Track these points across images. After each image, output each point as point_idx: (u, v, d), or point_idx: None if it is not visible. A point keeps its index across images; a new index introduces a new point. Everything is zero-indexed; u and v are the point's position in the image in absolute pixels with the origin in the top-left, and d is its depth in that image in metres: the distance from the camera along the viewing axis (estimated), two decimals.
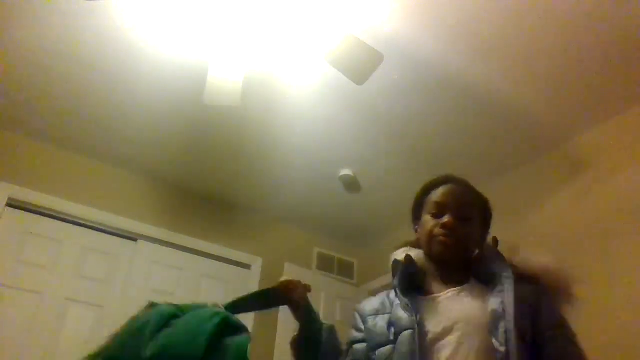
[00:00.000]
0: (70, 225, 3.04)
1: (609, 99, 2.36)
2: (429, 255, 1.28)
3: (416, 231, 1.36)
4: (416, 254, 1.31)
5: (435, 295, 1.20)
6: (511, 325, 1.04)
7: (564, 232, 2.44)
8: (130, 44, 2.30)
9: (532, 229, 2.58)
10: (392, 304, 1.23)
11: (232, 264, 3.52)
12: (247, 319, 3.35)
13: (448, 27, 2.07)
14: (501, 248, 1.25)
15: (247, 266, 3.56)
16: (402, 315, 1.15)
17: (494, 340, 1.05)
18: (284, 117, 2.72)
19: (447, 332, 1.09)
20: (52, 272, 2.89)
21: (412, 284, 1.23)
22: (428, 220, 1.28)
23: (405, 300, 1.17)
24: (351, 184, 3.24)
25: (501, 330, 1.04)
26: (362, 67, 1.91)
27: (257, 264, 3.57)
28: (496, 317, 1.07)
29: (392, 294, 1.26)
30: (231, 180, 3.37)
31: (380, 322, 1.20)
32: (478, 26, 2.05)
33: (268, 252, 3.65)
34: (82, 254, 3.02)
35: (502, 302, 1.08)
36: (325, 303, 3.58)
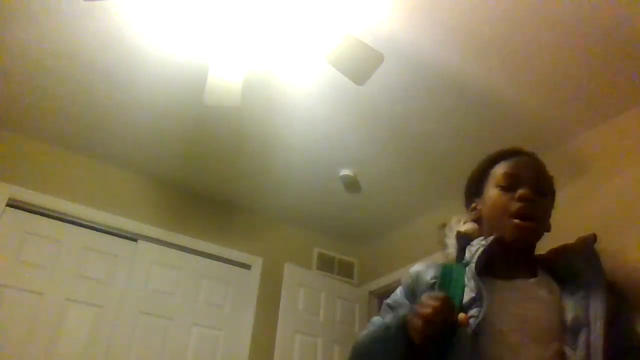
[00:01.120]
0: (70, 225, 3.04)
1: (609, 99, 2.36)
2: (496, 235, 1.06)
3: (473, 209, 1.16)
4: (473, 228, 1.12)
5: (505, 281, 1.02)
6: (598, 340, 0.88)
7: (564, 232, 2.43)
8: (131, 44, 2.30)
9: None
10: (455, 280, 1.02)
11: (232, 264, 3.52)
12: (248, 319, 3.36)
13: (448, 28, 2.07)
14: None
15: (247, 266, 3.56)
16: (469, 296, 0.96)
17: (567, 349, 0.90)
18: (284, 117, 2.72)
19: (515, 329, 0.94)
20: (52, 272, 2.89)
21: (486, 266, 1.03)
22: (497, 194, 1.07)
23: (479, 284, 0.97)
24: (351, 184, 3.24)
25: (581, 340, 0.90)
26: (362, 67, 1.91)
27: (257, 264, 3.57)
28: (577, 326, 0.92)
29: (456, 269, 1.05)
30: (231, 180, 3.37)
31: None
32: (478, 26, 2.05)
33: (268, 252, 3.65)
34: (82, 254, 3.02)
35: (587, 311, 0.92)
36: (325, 303, 3.58)
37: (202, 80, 2.15)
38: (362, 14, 2.03)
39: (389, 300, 1.13)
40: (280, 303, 3.36)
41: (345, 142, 2.88)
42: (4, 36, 2.29)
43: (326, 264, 3.89)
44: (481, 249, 1.04)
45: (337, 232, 3.93)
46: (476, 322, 0.91)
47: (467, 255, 1.08)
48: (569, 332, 0.91)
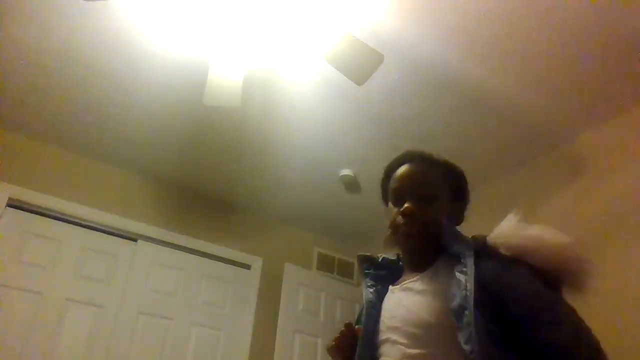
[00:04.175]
0: (70, 225, 3.04)
1: (609, 99, 2.36)
2: (396, 246, 1.21)
3: None
4: None
5: (394, 286, 1.17)
6: (470, 294, 0.91)
7: (564, 232, 2.43)
8: (131, 45, 2.30)
9: None
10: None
11: (232, 264, 3.52)
12: (248, 319, 3.36)
13: (448, 28, 2.07)
14: None
15: (247, 266, 3.56)
16: (368, 299, 1.18)
17: (459, 335, 0.90)
18: (284, 117, 2.72)
19: (390, 329, 1.07)
20: (52, 272, 2.89)
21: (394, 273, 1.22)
22: (391, 209, 1.19)
23: (373, 287, 1.20)
24: (351, 184, 3.24)
25: (465, 322, 0.90)
26: (362, 67, 1.91)
27: (257, 264, 3.58)
28: (458, 310, 0.92)
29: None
30: (231, 180, 3.37)
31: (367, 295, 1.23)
32: (478, 26, 2.05)
33: (268, 252, 3.65)
34: (82, 254, 3.02)
35: (464, 289, 0.94)
36: (325, 303, 3.58)
37: (202, 80, 2.15)
38: (362, 13, 2.03)
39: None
40: (280, 303, 3.36)
41: (345, 142, 2.88)
42: (4, 36, 2.29)
43: (326, 264, 3.89)
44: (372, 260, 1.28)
45: (337, 232, 3.93)
46: (367, 326, 1.11)
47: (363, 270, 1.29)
48: (456, 316, 0.92)
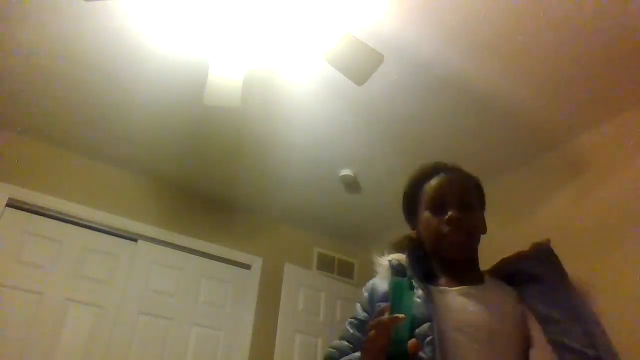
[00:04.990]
0: (70, 225, 3.04)
1: (609, 99, 2.36)
2: (438, 255, 1.18)
3: (413, 228, 1.27)
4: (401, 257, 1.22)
5: (448, 288, 1.10)
6: (599, 327, 0.99)
7: (564, 232, 2.43)
8: (131, 45, 2.30)
9: (531, 229, 2.58)
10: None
11: (232, 264, 3.52)
12: (248, 319, 3.36)
13: (448, 27, 2.07)
14: (498, 248, 1.22)
15: (247, 266, 3.56)
16: (419, 305, 1.04)
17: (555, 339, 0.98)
18: (284, 117, 2.72)
19: (462, 332, 1.01)
20: (52, 272, 2.89)
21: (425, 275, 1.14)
22: (429, 218, 1.18)
23: (423, 289, 1.07)
24: (351, 184, 3.24)
25: (577, 333, 0.98)
26: (362, 67, 1.91)
27: (257, 264, 3.57)
28: (571, 322, 1.00)
29: (404, 282, 1.12)
30: (231, 180, 3.37)
31: None
32: (478, 26, 2.05)
33: (268, 252, 3.65)
34: (82, 254, 3.02)
35: (565, 310, 1.02)
36: (325, 303, 3.58)
37: (202, 80, 2.15)
38: (362, 14, 2.03)
39: (351, 318, 1.21)
40: (280, 303, 3.36)
41: (345, 142, 2.88)
42: (4, 36, 2.29)
43: (326, 264, 3.89)
44: (409, 261, 1.17)
45: (337, 232, 3.93)
46: (430, 324, 0.99)
47: (408, 272, 1.16)
48: (560, 324, 0.98)
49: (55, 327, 2.78)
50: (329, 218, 3.73)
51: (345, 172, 3.13)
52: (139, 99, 2.65)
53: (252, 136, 2.90)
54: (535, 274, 1.10)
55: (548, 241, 1.13)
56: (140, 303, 3.09)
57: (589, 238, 2.34)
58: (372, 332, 0.96)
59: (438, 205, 1.17)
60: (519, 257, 1.17)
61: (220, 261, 3.48)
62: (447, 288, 1.11)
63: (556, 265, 1.09)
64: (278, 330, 3.27)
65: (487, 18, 2.01)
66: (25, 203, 2.92)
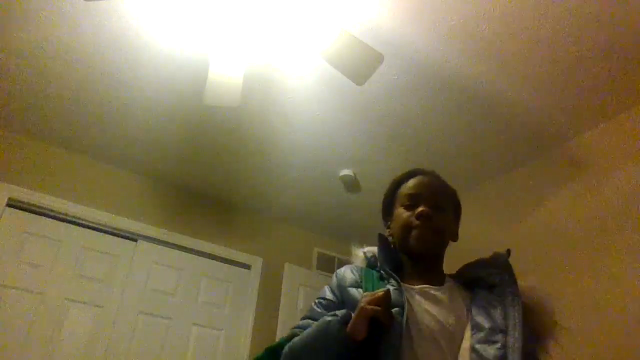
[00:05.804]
0: (70, 225, 3.04)
1: (609, 99, 2.36)
2: (404, 249, 1.21)
3: (388, 227, 1.30)
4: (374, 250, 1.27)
5: (413, 286, 1.12)
6: (518, 343, 0.98)
7: (564, 232, 2.43)
8: (131, 45, 2.30)
9: (531, 229, 2.58)
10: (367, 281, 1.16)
11: (232, 264, 3.52)
12: (248, 319, 3.36)
13: (448, 27, 2.07)
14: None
15: (247, 266, 3.56)
16: (393, 292, 1.07)
17: (479, 346, 1.00)
18: (284, 117, 2.72)
19: (432, 329, 1.04)
20: (52, 272, 2.89)
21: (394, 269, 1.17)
22: (401, 213, 1.21)
23: (394, 277, 1.10)
24: (351, 184, 3.24)
25: (495, 346, 0.99)
26: (362, 67, 1.91)
27: (257, 264, 3.57)
28: (494, 329, 1.02)
29: (373, 273, 1.19)
30: (231, 180, 3.37)
31: (358, 295, 1.11)
32: (478, 26, 2.05)
33: (268, 252, 3.65)
34: (82, 254, 3.02)
35: (505, 319, 1.04)
36: None
37: (201, 80, 2.15)
38: (362, 13, 2.03)
39: (319, 298, 1.23)
40: (280, 303, 3.36)
41: (345, 142, 2.88)
42: (3, 36, 2.29)
43: (326, 264, 3.89)
44: (380, 253, 1.22)
45: (337, 232, 3.93)
46: (403, 322, 1.00)
47: (379, 264, 1.21)
48: (484, 333, 1.02)
49: (55, 327, 2.78)
50: (329, 218, 3.73)
51: (345, 172, 3.13)
52: (139, 98, 2.65)
53: (252, 136, 2.90)
54: (491, 282, 1.13)
55: (508, 251, 1.16)
56: (140, 303, 3.09)
57: (589, 237, 2.34)
58: (369, 298, 1.00)
59: (411, 202, 1.21)
60: (479, 263, 1.21)
61: (220, 261, 3.48)
62: (408, 285, 1.13)
63: (510, 276, 1.12)
64: (278, 330, 3.27)
65: (487, 18, 2.01)
66: (25, 203, 2.92)
